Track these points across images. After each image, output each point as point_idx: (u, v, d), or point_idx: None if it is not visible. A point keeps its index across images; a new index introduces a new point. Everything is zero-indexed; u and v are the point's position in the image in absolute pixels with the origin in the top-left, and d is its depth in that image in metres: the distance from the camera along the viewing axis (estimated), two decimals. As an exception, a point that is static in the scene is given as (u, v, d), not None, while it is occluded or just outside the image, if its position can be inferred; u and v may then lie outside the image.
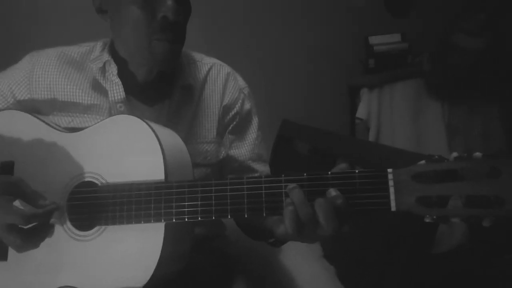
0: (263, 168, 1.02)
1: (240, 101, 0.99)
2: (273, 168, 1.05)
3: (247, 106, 1.01)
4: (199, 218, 0.69)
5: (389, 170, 0.62)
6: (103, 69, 0.88)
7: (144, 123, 0.75)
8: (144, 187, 0.72)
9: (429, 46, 1.95)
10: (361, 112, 1.96)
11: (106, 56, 0.88)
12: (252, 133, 1.02)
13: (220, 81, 0.98)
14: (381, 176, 0.62)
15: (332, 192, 0.62)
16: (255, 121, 1.03)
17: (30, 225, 0.71)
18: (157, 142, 0.73)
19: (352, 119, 2.06)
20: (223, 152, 0.98)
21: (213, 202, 0.69)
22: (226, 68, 1.00)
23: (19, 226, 0.70)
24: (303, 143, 1.85)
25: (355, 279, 1.11)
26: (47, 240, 0.76)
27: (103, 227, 0.75)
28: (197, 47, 1.00)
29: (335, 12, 2.11)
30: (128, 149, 0.75)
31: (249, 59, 2.06)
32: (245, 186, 0.67)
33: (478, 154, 0.60)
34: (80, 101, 0.88)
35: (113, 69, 0.87)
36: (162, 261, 0.70)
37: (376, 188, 0.62)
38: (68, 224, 0.78)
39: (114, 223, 0.74)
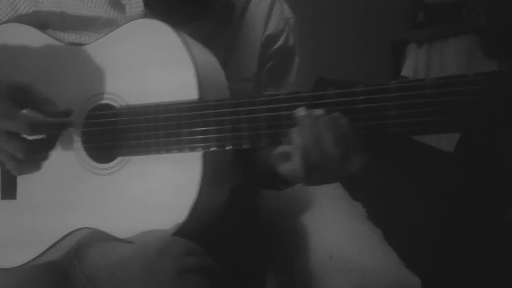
0: None
1: (285, 33, 0.84)
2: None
3: (291, 41, 0.86)
4: (245, 146, 0.56)
5: None
6: None
7: (171, 29, 0.61)
8: (174, 109, 0.58)
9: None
10: (407, 70, 1.80)
11: None
12: (291, 76, 0.87)
13: (266, 4, 0.83)
14: None
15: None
16: (296, 62, 0.88)
17: (35, 137, 0.60)
18: (187, 53, 0.59)
19: (395, 79, 1.89)
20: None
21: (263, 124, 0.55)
22: None
23: (22, 135, 0.59)
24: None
25: (406, 242, 0.97)
26: (59, 174, 0.65)
27: (126, 158, 0.63)
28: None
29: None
30: (151, 62, 0.62)
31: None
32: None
33: None
34: (93, 15, 0.75)
35: None
36: (200, 202, 0.58)
37: None
38: (83, 154, 0.65)
39: (138, 153, 0.61)
